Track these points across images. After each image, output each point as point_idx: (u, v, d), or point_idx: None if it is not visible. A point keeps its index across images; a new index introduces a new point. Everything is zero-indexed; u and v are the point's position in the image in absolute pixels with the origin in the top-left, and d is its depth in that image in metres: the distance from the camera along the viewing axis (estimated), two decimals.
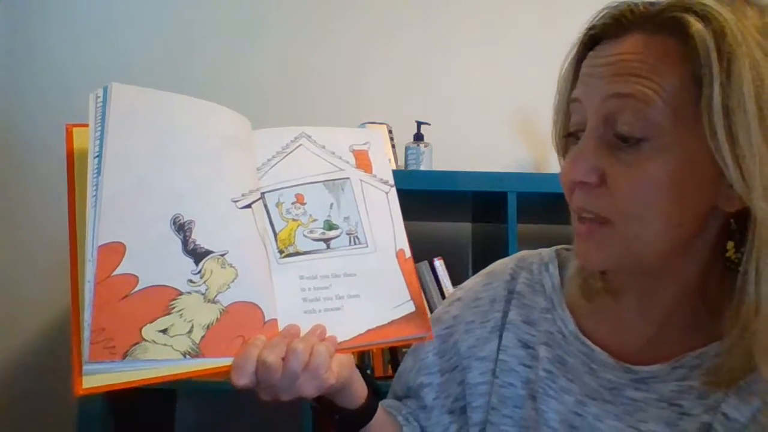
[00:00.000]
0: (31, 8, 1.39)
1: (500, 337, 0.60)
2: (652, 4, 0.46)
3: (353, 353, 0.54)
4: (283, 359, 0.47)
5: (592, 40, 0.49)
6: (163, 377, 0.45)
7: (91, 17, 1.43)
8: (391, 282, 0.57)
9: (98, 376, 0.43)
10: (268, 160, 0.57)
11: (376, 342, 0.54)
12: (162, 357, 0.45)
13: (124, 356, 0.43)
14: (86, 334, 0.43)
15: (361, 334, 0.53)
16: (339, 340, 0.52)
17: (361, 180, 0.60)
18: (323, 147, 0.60)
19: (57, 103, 1.37)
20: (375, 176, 0.61)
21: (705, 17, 0.42)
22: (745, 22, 0.42)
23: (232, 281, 0.49)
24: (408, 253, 0.59)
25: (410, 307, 0.57)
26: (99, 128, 0.47)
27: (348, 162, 0.60)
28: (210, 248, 0.49)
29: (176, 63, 1.49)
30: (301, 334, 0.50)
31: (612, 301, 0.55)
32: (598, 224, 0.47)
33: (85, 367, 0.42)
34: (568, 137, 0.50)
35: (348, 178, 0.59)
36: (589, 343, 0.55)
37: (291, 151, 0.58)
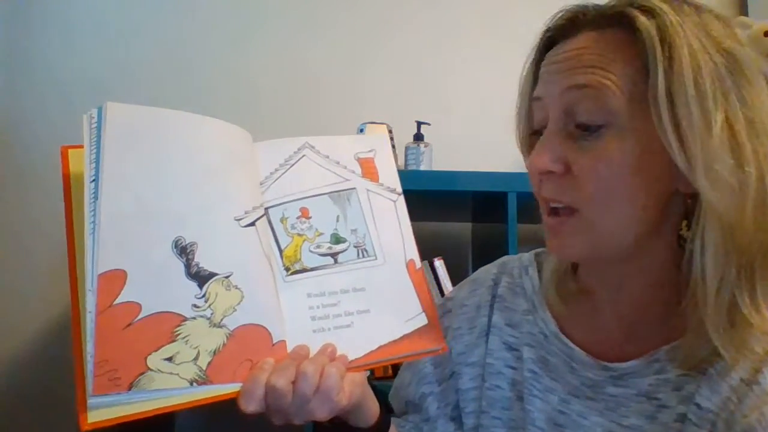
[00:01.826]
0: (29, 15, 1.36)
1: (486, 341, 0.61)
2: (601, 6, 0.50)
3: (366, 371, 0.53)
4: (293, 383, 0.45)
5: (550, 41, 0.52)
6: (170, 407, 0.44)
7: (88, 21, 1.41)
8: (401, 295, 0.55)
9: (104, 410, 0.42)
10: (271, 173, 0.55)
11: (388, 358, 0.53)
12: (168, 386, 0.43)
13: (130, 387, 0.42)
14: (89, 366, 0.41)
15: (372, 351, 0.52)
16: (350, 358, 0.50)
17: (367, 189, 0.58)
18: (327, 157, 0.58)
19: (56, 106, 1.35)
20: (382, 185, 0.59)
21: (649, 11, 0.46)
22: (683, 17, 0.46)
23: (238, 303, 0.47)
24: (418, 264, 0.57)
25: (422, 320, 0.55)
26: (95, 150, 0.45)
27: (353, 171, 0.58)
28: (214, 270, 0.47)
29: (173, 64, 1.46)
30: (311, 355, 0.49)
31: (587, 301, 0.56)
32: (567, 215, 0.48)
33: (89, 401, 0.41)
34: (532, 135, 0.53)
35: (354, 188, 0.58)
36: (569, 342, 0.56)
37: (294, 163, 0.56)
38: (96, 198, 0.44)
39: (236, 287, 0.48)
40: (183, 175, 0.48)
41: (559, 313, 0.57)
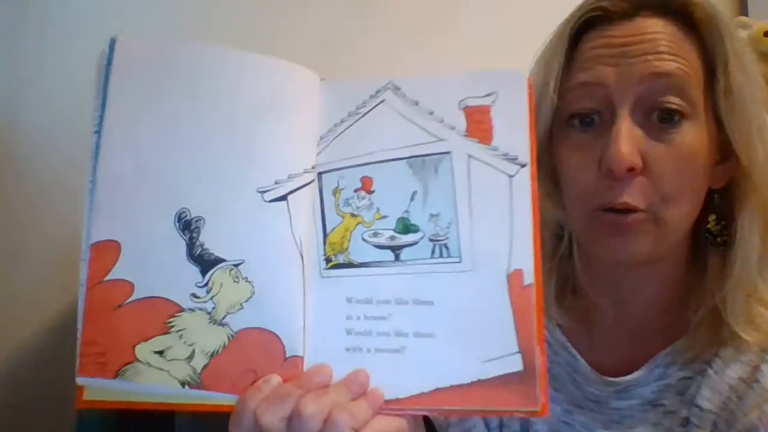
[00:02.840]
0: (27, 16, 1.27)
1: None
2: None
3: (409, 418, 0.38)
4: (288, 419, 0.34)
5: (585, 23, 0.47)
6: (160, 405, 0.38)
7: (88, 22, 1.29)
8: (491, 320, 0.38)
9: (97, 390, 0.38)
10: (335, 125, 0.41)
11: (446, 408, 0.37)
12: (157, 382, 0.37)
13: (116, 375, 0.37)
14: (78, 344, 0.37)
15: (425, 394, 0.37)
16: (389, 396, 0.37)
17: (469, 155, 0.40)
18: (416, 103, 0.40)
19: (58, 101, 1.28)
20: (495, 149, 0.40)
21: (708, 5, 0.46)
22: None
23: (247, 300, 0.37)
24: (529, 278, 0.38)
25: (516, 364, 0.37)
26: (101, 96, 0.38)
27: (453, 127, 0.40)
28: (221, 255, 0.37)
29: None
30: (335, 380, 0.37)
31: (585, 314, 0.54)
32: (638, 214, 0.45)
33: (77, 380, 0.37)
34: (568, 121, 0.47)
35: (448, 152, 0.40)
36: (576, 354, 0.54)
37: (367, 112, 0.41)
38: (97, 154, 0.37)
39: (246, 279, 0.37)
40: (202, 130, 0.38)
41: (563, 324, 0.54)
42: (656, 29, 0.45)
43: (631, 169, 0.43)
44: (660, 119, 0.44)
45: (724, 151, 0.46)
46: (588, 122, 0.46)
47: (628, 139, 0.43)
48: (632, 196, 0.44)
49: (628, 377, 0.50)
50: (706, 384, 0.47)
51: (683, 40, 0.45)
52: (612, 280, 0.52)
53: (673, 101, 0.44)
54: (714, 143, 0.46)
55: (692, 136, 0.44)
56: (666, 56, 0.44)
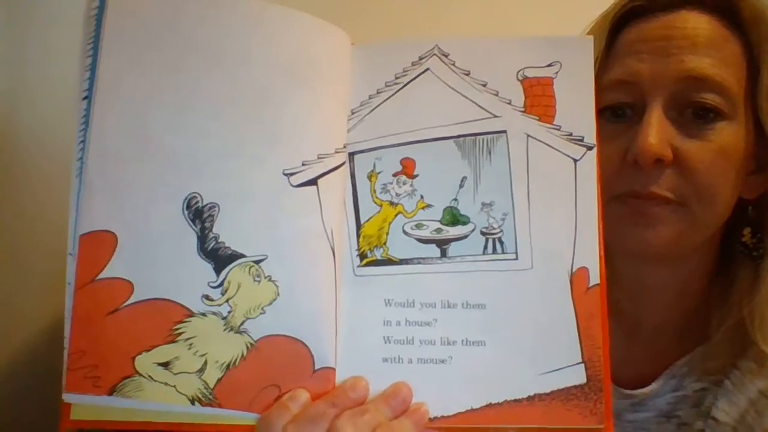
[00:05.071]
0: (29, 15, 1.18)
1: None
2: None
3: None
4: None
5: (628, 13, 0.45)
6: (164, 425, 0.32)
7: None
8: (550, 326, 0.34)
9: (87, 408, 0.32)
10: (370, 97, 0.35)
11: (498, 426, 0.33)
12: (161, 400, 0.31)
13: (111, 391, 0.31)
14: (65, 354, 0.31)
15: (474, 410, 0.33)
16: (434, 414, 0.32)
17: (528, 135, 0.34)
18: (467, 73, 0.35)
19: (56, 108, 1.20)
20: (558, 128, 0.34)
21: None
22: None
23: (270, 303, 0.32)
24: (594, 278, 0.34)
25: (578, 376, 0.33)
26: (91, 53, 0.31)
27: (509, 101, 0.35)
28: (239, 250, 0.32)
29: None
30: (370, 396, 0.32)
31: None
32: (668, 205, 0.43)
33: (64, 397, 0.32)
34: (600, 112, 0.42)
35: (504, 131, 0.34)
36: None
37: (408, 82, 0.35)
38: (86, 124, 0.31)
39: (270, 279, 0.32)
40: (215, 98, 0.32)
41: None
42: (698, 25, 0.43)
43: (658, 161, 0.41)
44: (695, 116, 0.42)
45: (760, 160, 0.45)
46: (620, 114, 0.44)
47: (657, 130, 0.41)
48: (660, 186, 0.42)
49: (645, 390, 0.48)
50: (723, 396, 0.46)
51: (726, 39, 0.43)
52: (630, 281, 0.49)
53: (710, 99, 0.42)
54: (750, 149, 0.44)
55: (729, 136, 0.43)
56: (704, 57, 0.42)
